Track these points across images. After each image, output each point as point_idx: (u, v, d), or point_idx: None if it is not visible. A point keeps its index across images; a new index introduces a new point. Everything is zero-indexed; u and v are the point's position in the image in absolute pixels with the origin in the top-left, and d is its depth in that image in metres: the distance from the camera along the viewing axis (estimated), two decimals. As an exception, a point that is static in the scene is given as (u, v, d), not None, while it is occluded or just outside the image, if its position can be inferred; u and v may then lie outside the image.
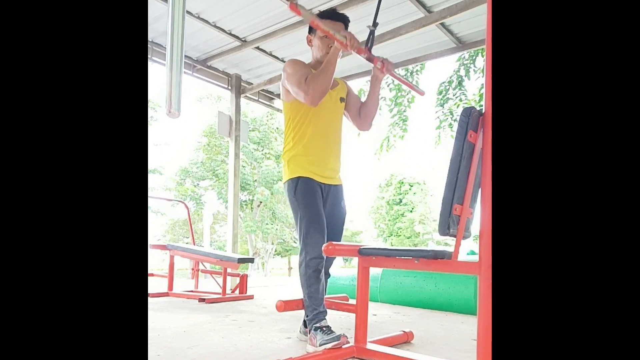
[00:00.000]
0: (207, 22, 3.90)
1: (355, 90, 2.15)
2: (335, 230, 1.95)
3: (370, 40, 1.91)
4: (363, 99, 2.07)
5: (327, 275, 2.00)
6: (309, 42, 1.96)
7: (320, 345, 1.61)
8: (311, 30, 1.94)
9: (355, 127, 2.11)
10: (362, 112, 2.03)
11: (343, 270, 4.15)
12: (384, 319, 2.72)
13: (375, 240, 25.78)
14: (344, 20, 1.92)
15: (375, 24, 1.92)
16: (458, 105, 6.12)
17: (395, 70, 2.09)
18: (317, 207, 1.82)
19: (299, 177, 1.84)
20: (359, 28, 3.77)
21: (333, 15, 1.89)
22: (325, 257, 1.80)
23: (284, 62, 4.62)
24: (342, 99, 2.00)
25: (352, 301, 1.87)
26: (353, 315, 1.73)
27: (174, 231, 19.92)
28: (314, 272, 1.76)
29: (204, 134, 18.62)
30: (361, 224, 26.91)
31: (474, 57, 5.82)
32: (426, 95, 2.52)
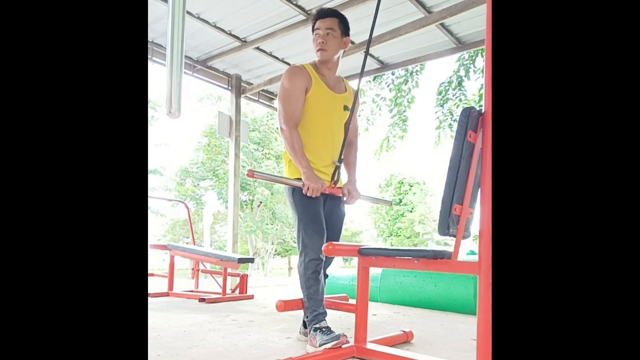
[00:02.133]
0: (207, 22, 3.90)
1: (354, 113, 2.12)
2: (334, 231, 1.95)
3: (337, 174, 1.89)
4: (363, 98, 2.06)
5: (325, 276, 2.00)
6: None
7: (320, 345, 1.61)
8: (313, 24, 1.93)
9: None
10: (348, 139, 2.01)
11: (343, 270, 4.15)
12: (384, 318, 2.72)
13: (375, 240, 25.77)
14: (331, 15, 1.88)
15: (340, 160, 1.91)
16: (458, 105, 6.12)
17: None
18: (316, 208, 1.82)
19: (299, 178, 1.84)
20: (359, 28, 3.78)
21: (316, 16, 1.89)
22: (324, 259, 1.80)
23: (284, 62, 4.63)
24: (346, 107, 1.97)
25: (352, 301, 1.88)
26: (353, 315, 1.73)
27: (174, 231, 19.92)
28: (313, 273, 1.76)
29: (204, 134, 18.62)
30: (361, 224, 26.90)
31: (474, 58, 5.82)
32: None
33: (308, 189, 1.74)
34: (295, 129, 1.82)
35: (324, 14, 1.88)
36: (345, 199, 1.92)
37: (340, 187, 1.93)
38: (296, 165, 1.81)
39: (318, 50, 1.87)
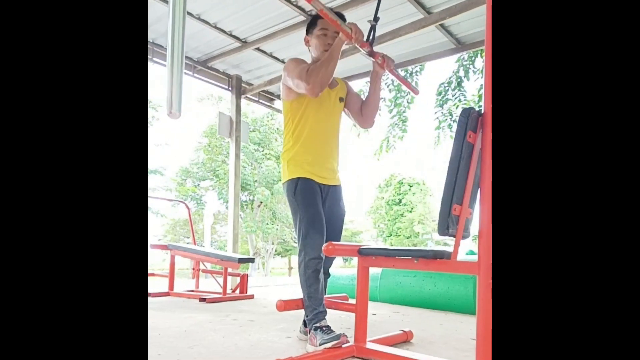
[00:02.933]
0: (207, 23, 3.90)
1: (357, 89, 2.16)
2: (334, 230, 1.96)
3: (372, 35, 1.92)
4: (363, 97, 2.08)
5: (327, 275, 2.00)
6: (307, 42, 1.97)
7: (320, 344, 1.61)
8: (308, 30, 1.95)
9: (357, 125, 2.13)
10: (363, 110, 2.03)
11: (343, 270, 4.16)
12: (384, 318, 2.73)
13: (374, 240, 25.77)
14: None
15: (376, 19, 1.93)
16: (457, 105, 6.12)
17: (397, 72, 2.11)
18: (316, 207, 1.83)
19: (299, 177, 1.85)
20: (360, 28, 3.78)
21: (313, 23, 1.93)
22: (324, 258, 1.80)
23: (285, 63, 4.63)
24: (341, 99, 2.00)
25: (352, 301, 1.88)
26: (353, 315, 1.73)
27: (175, 231, 19.92)
28: (313, 272, 1.77)
29: (205, 135, 18.63)
30: (361, 224, 26.90)
31: (473, 58, 5.82)
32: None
33: (355, 32, 1.71)
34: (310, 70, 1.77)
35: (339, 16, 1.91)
36: (379, 61, 1.89)
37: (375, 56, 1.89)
38: (333, 58, 1.75)
39: (325, 50, 1.88)
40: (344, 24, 1.71)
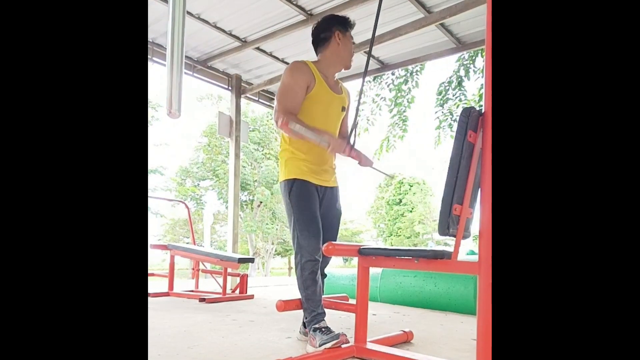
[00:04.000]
0: (207, 22, 3.90)
1: (355, 91, 2.17)
2: (331, 231, 1.95)
3: (353, 138, 1.88)
4: (363, 98, 2.08)
5: (324, 275, 2.00)
6: (337, 36, 1.90)
7: (320, 345, 1.61)
8: (339, 26, 1.91)
9: None
10: (340, 133, 2.05)
11: (343, 270, 4.16)
12: (384, 318, 2.73)
13: (375, 240, 25.77)
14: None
15: (355, 121, 1.90)
16: (458, 105, 6.12)
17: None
18: (312, 209, 1.82)
19: (295, 179, 1.84)
20: (360, 28, 3.76)
21: (353, 26, 1.97)
22: (320, 259, 1.80)
23: (284, 62, 4.63)
24: (343, 108, 2.00)
25: (352, 301, 1.88)
26: (353, 315, 1.73)
27: (175, 231, 19.92)
28: (310, 274, 1.76)
29: (204, 134, 18.63)
30: (361, 224, 26.90)
31: (474, 58, 5.82)
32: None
33: (332, 146, 1.73)
34: (293, 115, 1.78)
35: (351, 27, 1.97)
36: (360, 162, 1.91)
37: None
38: (310, 139, 1.76)
39: (351, 62, 1.94)
40: (322, 139, 1.75)
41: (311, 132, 1.75)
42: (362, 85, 2.06)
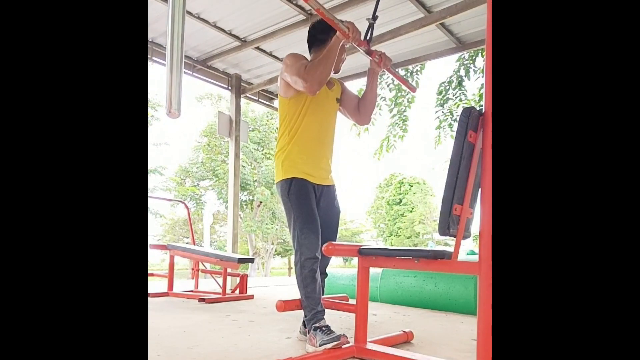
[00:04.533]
0: (207, 22, 3.90)
1: (355, 91, 2.17)
2: (330, 230, 1.95)
3: (370, 33, 1.92)
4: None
5: (324, 274, 2.00)
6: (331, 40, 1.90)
7: (320, 345, 1.61)
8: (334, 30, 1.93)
9: (355, 123, 2.14)
10: (361, 108, 2.04)
11: (343, 270, 4.15)
12: (384, 318, 2.72)
13: (375, 240, 25.79)
14: None
15: (374, 17, 1.93)
16: (458, 105, 6.12)
17: (396, 70, 2.11)
18: (310, 207, 1.82)
19: (293, 177, 1.84)
20: (359, 28, 3.78)
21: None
22: (320, 257, 1.80)
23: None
24: (337, 100, 2.00)
25: (352, 301, 1.87)
26: (353, 315, 1.73)
27: (174, 231, 19.93)
28: (310, 272, 1.76)
29: (204, 134, 18.63)
30: (361, 224, 26.91)
31: (474, 57, 5.82)
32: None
33: (352, 32, 1.72)
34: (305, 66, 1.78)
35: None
36: (377, 59, 1.92)
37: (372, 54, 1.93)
38: (331, 54, 1.75)
39: (340, 66, 1.96)
40: (341, 23, 1.71)
41: (326, 49, 1.77)
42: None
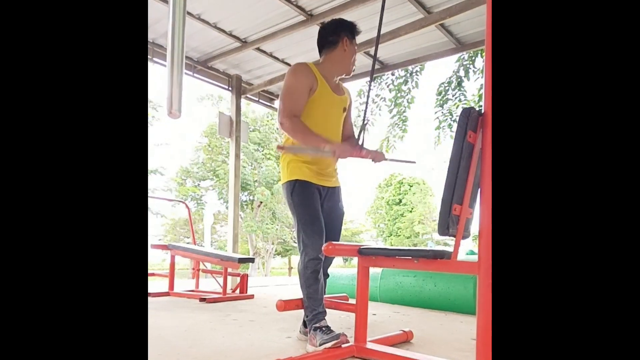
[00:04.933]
0: (207, 23, 3.90)
1: (355, 91, 2.18)
2: (334, 231, 1.96)
3: (362, 137, 1.91)
4: (363, 98, 2.10)
5: (326, 275, 2.00)
6: (344, 42, 1.91)
7: (320, 344, 1.61)
8: (353, 35, 1.93)
9: None
10: (344, 134, 2.05)
11: (343, 270, 4.16)
12: (384, 318, 2.73)
13: (375, 240, 25.77)
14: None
15: (365, 119, 1.99)
16: (457, 105, 6.12)
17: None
18: (315, 209, 1.83)
19: (297, 179, 1.85)
20: (360, 28, 3.78)
21: (358, 33, 1.97)
22: (323, 258, 1.81)
23: (285, 63, 4.63)
24: (344, 109, 2.01)
25: (352, 301, 1.88)
26: (353, 315, 1.73)
27: (175, 231, 19.93)
28: (313, 272, 1.77)
29: (205, 134, 18.63)
30: (361, 224, 26.90)
31: (473, 58, 5.82)
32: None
33: (339, 152, 1.73)
34: (297, 118, 1.79)
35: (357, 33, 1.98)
36: (373, 159, 1.94)
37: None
38: (311, 144, 1.76)
39: (351, 70, 1.97)
40: (323, 152, 1.74)
41: (311, 147, 1.77)
42: (370, 87, 2.09)
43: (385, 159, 1.97)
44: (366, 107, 2.03)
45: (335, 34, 1.91)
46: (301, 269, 1.79)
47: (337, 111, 1.95)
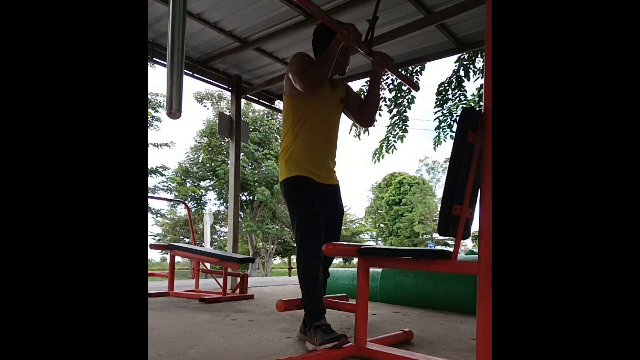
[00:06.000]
0: (207, 22, 3.90)
1: (355, 91, 2.18)
2: (333, 229, 1.96)
3: (370, 34, 1.92)
4: (363, 97, 2.10)
5: (326, 274, 2.00)
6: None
7: (320, 344, 1.61)
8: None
9: (357, 124, 2.17)
10: (363, 109, 2.04)
11: (343, 270, 4.16)
12: (384, 318, 2.73)
13: (374, 240, 25.78)
14: None
15: (375, 18, 1.94)
16: (458, 105, 6.12)
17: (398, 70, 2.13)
18: (314, 206, 1.82)
19: (296, 176, 1.84)
20: (360, 29, 3.78)
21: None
22: (323, 256, 1.80)
23: (285, 62, 4.63)
24: (341, 100, 2.01)
25: (352, 301, 1.88)
26: (353, 315, 1.73)
27: (175, 231, 19.93)
28: (312, 271, 1.77)
29: (205, 134, 18.64)
30: (361, 224, 26.91)
31: (473, 58, 5.82)
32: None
33: (352, 33, 1.71)
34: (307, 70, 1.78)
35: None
36: (378, 60, 1.93)
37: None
38: (331, 56, 1.75)
39: (345, 70, 1.98)
40: (341, 25, 1.71)
41: (326, 51, 1.77)
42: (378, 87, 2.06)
43: (392, 67, 1.95)
44: (377, 4, 1.99)
45: (328, 36, 1.92)
46: (300, 267, 1.79)
47: (334, 105, 1.96)
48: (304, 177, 1.84)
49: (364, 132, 6.63)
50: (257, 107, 17.06)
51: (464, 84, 6.07)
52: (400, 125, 6.52)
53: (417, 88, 2.37)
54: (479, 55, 5.72)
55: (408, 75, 6.24)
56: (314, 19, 3.68)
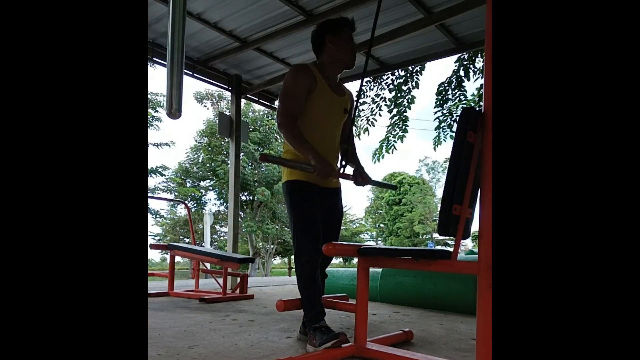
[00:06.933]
0: (207, 22, 3.90)
1: (354, 91, 2.18)
2: (332, 232, 1.96)
3: (344, 162, 1.96)
4: (362, 99, 2.10)
5: (324, 275, 2.00)
6: (331, 42, 1.90)
7: (319, 344, 1.61)
8: (335, 31, 1.92)
9: None
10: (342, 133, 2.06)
11: (343, 270, 4.16)
12: (384, 318, 2.73)
13: (374, 240, 25.79)
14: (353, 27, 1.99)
15: (350, 144, 2.00)
16: (458, 105, 6.12)
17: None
18: (313, 209, 1.83)
19: (297, 179, 1.85)
20: (360, 29, 3.76)
21: (353, 25, 1.97)
22: (320, 259, 1.81)
23: (285, 63, 4.63)
24: (345, 110, 2.00)
25: (352, 301, 1.88)
26: (353, 315, 1.73)
27: (175, 231, 19.94)
28: (310, 273, 1.77)
29: (205, 134, 18.64)
30: (361, 224, 26.91)
31: (473, 58, 5.82)
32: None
33: (319, 172, 1.71)
34: (295, 122, 1.80)
35: (352, 26, 1.97)
36: (355, 181, 1.96)
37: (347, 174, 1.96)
38: (302, 153, 1.77)
39: (352, 60, 1.94)
40: (308, 166, 1.73)
41: (295, 161, 1.79)
42: (361, 86, 2.09)
43: (370, 183, 2.01)
44: (352, 121, 2.05)
45: (318, 38, 1.95)
46: (298, 270, 1.79)
47: (337, 112, 1.95)
48: (305, 181, 1.85)
49: (364, 132, 6.62)
50: (257, 107, 17.08)
51: (464, 84, 6.06)
52: (400, 125, 6.52)
53: (395, 188, 2.48)
54: (479, 55, 5.72)
55: (408, 75, 6.25)
56: (314, 19, 3.68)
